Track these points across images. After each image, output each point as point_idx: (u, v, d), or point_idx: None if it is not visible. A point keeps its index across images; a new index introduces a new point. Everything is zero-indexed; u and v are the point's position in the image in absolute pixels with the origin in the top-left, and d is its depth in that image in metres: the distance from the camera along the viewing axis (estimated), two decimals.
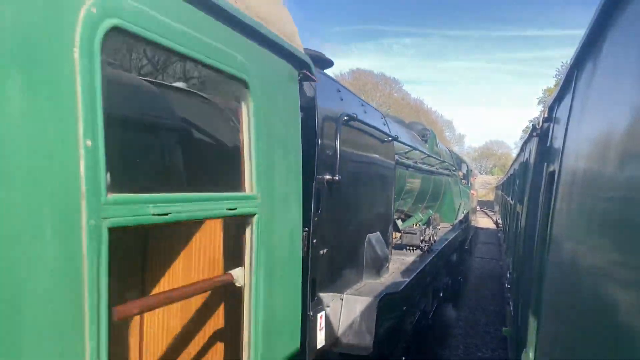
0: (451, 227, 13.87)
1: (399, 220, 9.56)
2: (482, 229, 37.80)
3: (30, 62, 1.54)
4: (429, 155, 11.68)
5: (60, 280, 1.64)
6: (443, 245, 10.29)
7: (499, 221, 29.96)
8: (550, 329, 3.30)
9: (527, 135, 8.36)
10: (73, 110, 1.66)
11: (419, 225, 11.07)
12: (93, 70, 1.72)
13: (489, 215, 53.43)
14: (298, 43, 3.43)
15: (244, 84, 2.72)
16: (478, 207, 44.32)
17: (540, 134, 5.63)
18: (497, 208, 42.34)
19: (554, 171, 3.89)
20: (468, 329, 13.21)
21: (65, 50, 1.65)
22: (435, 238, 10.59)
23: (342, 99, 5.22)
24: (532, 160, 6.56)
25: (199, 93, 3.33)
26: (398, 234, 9.19)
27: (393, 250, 7.75)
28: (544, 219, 4.26)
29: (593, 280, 2.20)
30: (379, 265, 6.37)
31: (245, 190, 2.78)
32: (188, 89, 3.37)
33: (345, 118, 5.05)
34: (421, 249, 9.00)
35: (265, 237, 2.94)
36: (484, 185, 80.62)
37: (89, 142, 1.71)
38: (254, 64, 2.80)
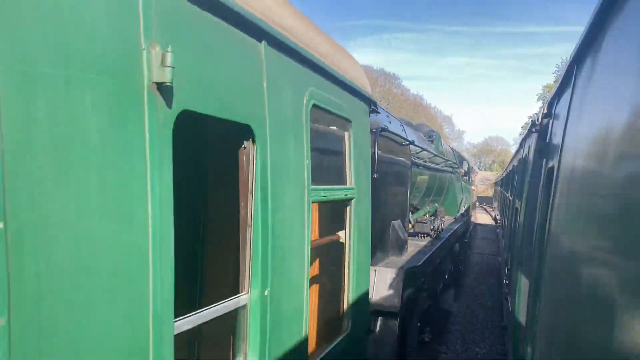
0: (454, 219, 15.80)
1: (409, 213, 10.57)
2: (480, 224, 37.82)
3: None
4: (435, 155, 12.92)
5: None
6: (449, 234, 11.99)
7: (498, 217, 30.23)
8: (548, 323, 3.31)
9: (527, 131, 8.36)
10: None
11: (428, 216, 12.71)
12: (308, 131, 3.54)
13: (487, 212, 53.44)
14: (368, 88, 5.37)
15: (348, 121, 4.63)
16: (477, 203, 44.39)
17: (539, 130, 5.63)
18: (495, 204, 42.34)
19: (553, 167, 3.90)
20: (466, 324, 13.24)
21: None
22: (442, 227, 12.26)
23: (376, 114, 6.47)
24: (531, 156, 6.57)
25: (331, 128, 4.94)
26: (410, 224, 10.48)
27: (408, 236, 9.17)
28: (542, 215, 4.27)
29: (591, 275, 2.21)
30: (400, 246, 8.19)
31: (348, 185, 4.65)
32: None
33: (381, 130, 6.84)
34: (431, 236, 10.74)
35: (356, 213, 4.76)
36: (483, 181, 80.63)
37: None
38: (351, 107, 4.70)
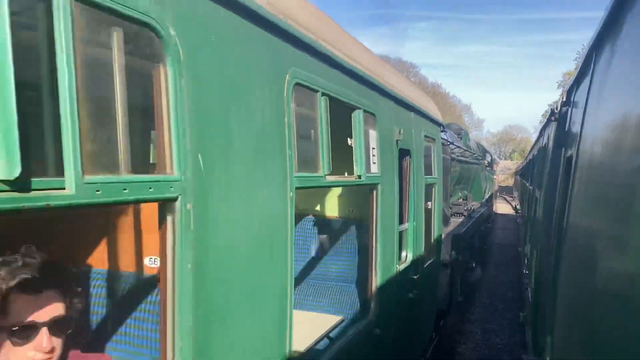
0: (480, 204, 19.44)
1: (449, 197, 13.19)
2: (501, 215, 37.56)
3: None
4: (465, 150, 15.48)
5: None
6: (477, 214, 15.94)
7: (518, 207, 30.14)
8: (567, 315, 3.28)
9: (546, 119, 8.26)
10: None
11: (461, 200, 15.83)
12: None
13: (507, 201, 53.02)
14: (439, 116, 7.82)
15: (435, 139, 7.31)
16: (498, 193, 44.19)
17: (558, 118, 5.56)
18: (516, 193, 42.07)
19: (571, 156, 3.84)
20: (486, 315, 13.18)
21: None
22: (473, 209, 16.48)
23: None
24: (550, 145, 6.49)
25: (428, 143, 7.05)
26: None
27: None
28: (561, 204, 4.22)
29: (610, 265, 2.18)
30: (446, 221, 11.42)
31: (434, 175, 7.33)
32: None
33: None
34: (464, 216, 14.48)
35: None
36: (503, 170, 79.89)
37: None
38: (434, 131, 7.43)
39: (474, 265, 14.61)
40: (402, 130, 5.30)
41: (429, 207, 7.13)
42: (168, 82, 1.97)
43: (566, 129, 4.76)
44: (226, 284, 2.38)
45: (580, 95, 4.03)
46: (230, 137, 2.37)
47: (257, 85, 2.62)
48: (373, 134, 4.51)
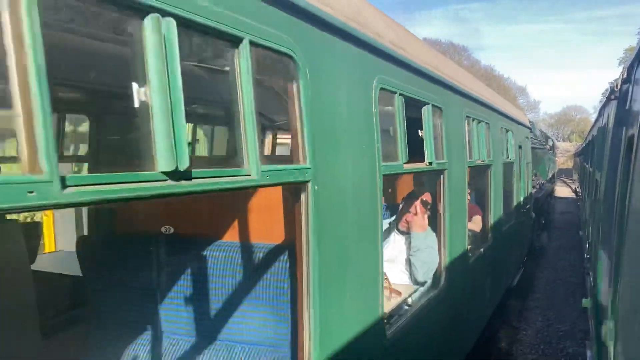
0: (545, 181, 24.90)
1: None
2: (560, 199, 36.60)
3: None
4: (534, 138, 18.22)
5: None
6: (545, 188, 22.66)
7: (578, 189, 29.70)
8: (630, 300, 3.17)
9: (605, 98, 7.96)
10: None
11: (534, 176, 18.92)
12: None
13: (567, 184, 51.56)
14: (527, 120, 14.13)
15: (527, 138, 13.44)
16: (556, 175, 43.37)
17: (618, 97, 5.34)
18: (576, 176, 41.04)
19: (632, 135, 3.69)
20: (547, 301, 12.89)
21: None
22: (542, 183, 22.35)
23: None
24: (610, 124, 6.26)
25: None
26: None
27: None
28: (623, 186, 4.07)
29: None
30: None
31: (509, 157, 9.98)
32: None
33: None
34: (535, 188, 18.45)
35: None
36: (563, 152, 77.59)
37: None
38: (525, 132, 12.98)
39: (543, 222, 21.18)
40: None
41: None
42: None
43: (627, 108, 4.58)
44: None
45: None
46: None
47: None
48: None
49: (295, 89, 2.75)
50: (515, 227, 10.70)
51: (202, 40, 2.33)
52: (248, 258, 3.92)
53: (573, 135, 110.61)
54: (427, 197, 5.70)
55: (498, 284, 9.41)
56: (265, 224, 4.07)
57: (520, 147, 11.26)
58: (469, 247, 6.70)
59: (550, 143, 30.55)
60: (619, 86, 5.25)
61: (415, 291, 5.24)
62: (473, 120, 6.70)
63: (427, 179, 6.11)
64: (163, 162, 1.84)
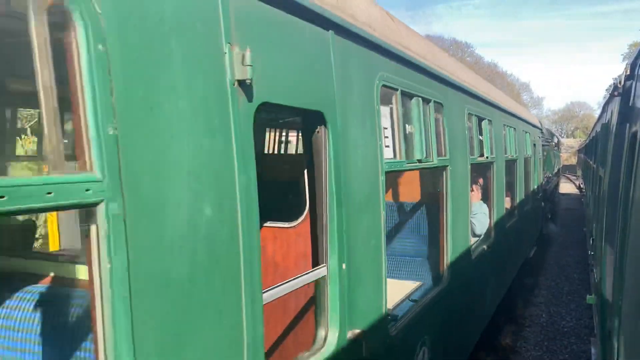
0: (552, 174, 26.50)
1: None
2: (564, 195, 36.50)
3: None
4: (541, 137, 19.42)
5: None
6: (552, 180, 25.31)
7: (582, 185, 29.83)
8: (634, 296, 3.17)
9: (609, 94, 7.94)
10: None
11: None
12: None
13: (571, 180, 51.38)
14: (537, 121, 17.31)
15: (539, 139, 16.40)
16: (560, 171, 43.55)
17: (622, 93, 5.33)
18: (579, 172, 40.97)
19: (636, 132, 3.69)
20: (551, 298, 12.89)
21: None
22: (548, 176, 23.31)
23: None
24: (613, 121, 6.25)
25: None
26: None
27: None
28: (626, 182, 4.07)
29: None
30: None
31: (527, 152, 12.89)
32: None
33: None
34: (543, 180, 19.24)
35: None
36: (566, 149, 77.33)
37: None
38: (536, 132, 15.76)
39: (550, 209, 22.46)
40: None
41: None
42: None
43: (630, 104, 4.57)
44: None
45: None
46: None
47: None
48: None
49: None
50: (533, 207, 13.91)
51: None
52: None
53: (577, 131, 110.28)
54: (480, 181, 8.62)
55: (521, 251, 12.50)
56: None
57: (534, 145, 14.38)
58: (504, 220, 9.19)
59: (555, 140, 32.97)
60: (622, 83, 5.25)
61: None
62: (506, 126, 9.53)
63: (483, 169, 8.42)
64: None
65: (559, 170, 35.96)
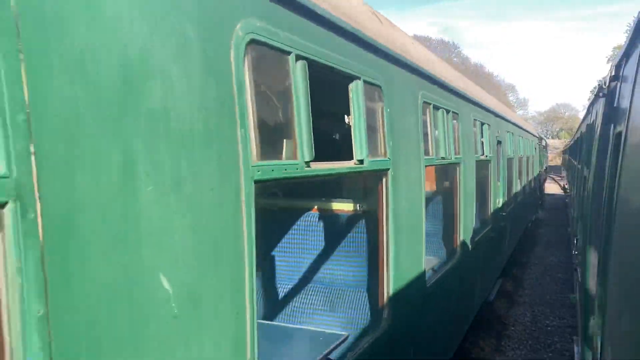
0: (542, 170, 31.33)
1: None
2: (549, 195, 36.78)
3: None
4: (539, 144, 26.16)
5: None
6: (542, 174, 31.23)
7: (567, 186, 30.24)
8: (617, 296, 3.19)
9: (594, 96, 8.00)
10: None
11: None
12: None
13: (556, 181, 51.76)
14: (534, 131, 25.55)
15: (539, 144, 27.29)
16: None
17: (606, 94, 5.37)
18: (564, 173, 41.36)
19: (620, 132, 3.72)
20: (535, 297, 12.96)
21: None
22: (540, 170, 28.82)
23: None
24: (598, 121, 6.29)
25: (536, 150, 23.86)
26: None
27: None
28: (611, 182, 4.09)
29: None
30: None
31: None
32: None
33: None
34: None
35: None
36: (551, 150, 77.87)
37: None
38: (536, 141, 24.49)
39: (540, 197, 28.53)
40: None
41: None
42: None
43: (615, 105, 4.60)
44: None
45: (630, 69, 3.89)
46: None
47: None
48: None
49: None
50: (534, 191, 21.86)
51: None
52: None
53: (562, 132, 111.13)
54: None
55: (524, 221, 18.06)
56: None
57: (535, 149, 22.72)
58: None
59: (544, 143, 37.58)
60: (607, 84, 5.28)
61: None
62: (522, 137, 15.96)
63: (510, 164, 12.59)
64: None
65: (546, 167, 43.19)
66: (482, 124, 8.44)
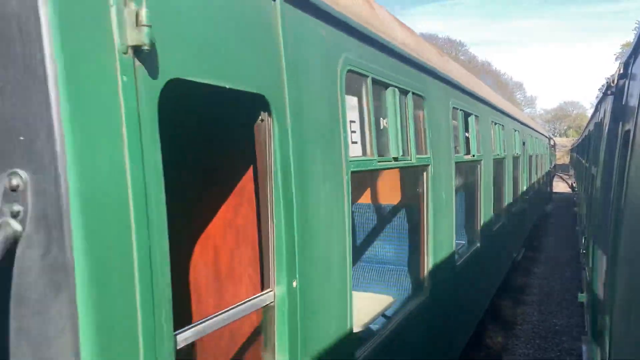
0: (551, 168, 34.21)
1: None
2: (556, 194, 36.64)
3: None
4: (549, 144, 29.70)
5: None
6: (551, 170, 34.93)
7: (574, 184, 30.30)
8: (626, 294, 3.17)
9: (602, 94, 7.95)
10: None
11: None
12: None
13: (564, 179, 51.52)
14: (545, 132, 29.76)
15: (549, 144, 31.43)
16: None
17: (614, 92, 5.34)
18: (572, 171, 41.20)
19: (629, 130, 3.69)
20: (543, 296, 12.91)
21: None
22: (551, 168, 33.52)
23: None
24: (606, 120, 6.26)
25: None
26: None
27: None
28: (619, 180, 4.07)
29: None
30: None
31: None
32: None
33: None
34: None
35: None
36: (559, 148, 77.49)
37: None
38: (546, 141, 27.55)
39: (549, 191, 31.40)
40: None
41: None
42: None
43: (623, 103, 4.57)
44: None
45: (638, 67, 3.86)
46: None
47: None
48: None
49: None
50: (545, 182, 25.87)
51: None
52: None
53: (570, 130, 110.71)
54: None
55: (539, 205, 21.83)
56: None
57: (547, 148, 26.57)
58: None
59: (552, 142, 39.05)
60: (615, 81, 5.25)
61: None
62: (538, 139, 19.40)
63: (535, 160, 18.02)
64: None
65: (555, 166, 45.16)
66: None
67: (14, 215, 1.57)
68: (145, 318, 1.74)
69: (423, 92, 4.94)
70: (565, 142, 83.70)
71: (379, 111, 3.96)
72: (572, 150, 45.80)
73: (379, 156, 3.81)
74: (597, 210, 6.55)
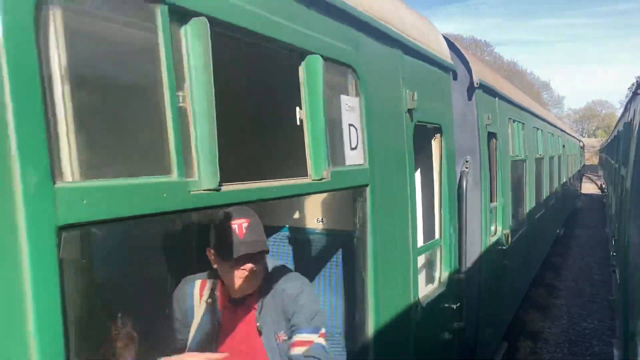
0: (581, 167, 36.30)
1: None
2: (585, 195, 36.12)
3: None
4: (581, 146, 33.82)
5: None
6: (581, 170, 38.18)
7: (604, 186, 29.72)
8: None
9: (632, 93, 7.83)
10: None
11: None
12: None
13: (592, 180, 50.72)
14: (571, 129, 35.23)
15: (579, 145, 34.28)
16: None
17: None
18: (601, 172, 40.60)
19: None
20: (572, 299, 12.73)
21: None
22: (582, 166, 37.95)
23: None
24: (636, 119, 6.17)
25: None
26: None
27: None
28: None
29: None
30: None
31: None
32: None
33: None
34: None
35: None
36: (587, 148, 76.25)
37: None
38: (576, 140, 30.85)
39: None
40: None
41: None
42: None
43: None
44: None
45: None
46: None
47: None
48: None
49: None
50: (578, 176, 30.44)
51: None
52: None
53: (598, 130, 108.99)
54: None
55: (573, 196, 25.53)
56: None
57: (578, 149, 30.63)
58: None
59: (581, 144, 40.02)
60: None
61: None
62: (570, 142, 22.61)
63: (572, 159, 23.65)
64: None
65: (583, 165, 46.58)
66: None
67: None
68: None
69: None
70: (594, 143, 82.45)
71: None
72: (601, 150, 45.13)
73: None
74: (627, 210, 6.45)
